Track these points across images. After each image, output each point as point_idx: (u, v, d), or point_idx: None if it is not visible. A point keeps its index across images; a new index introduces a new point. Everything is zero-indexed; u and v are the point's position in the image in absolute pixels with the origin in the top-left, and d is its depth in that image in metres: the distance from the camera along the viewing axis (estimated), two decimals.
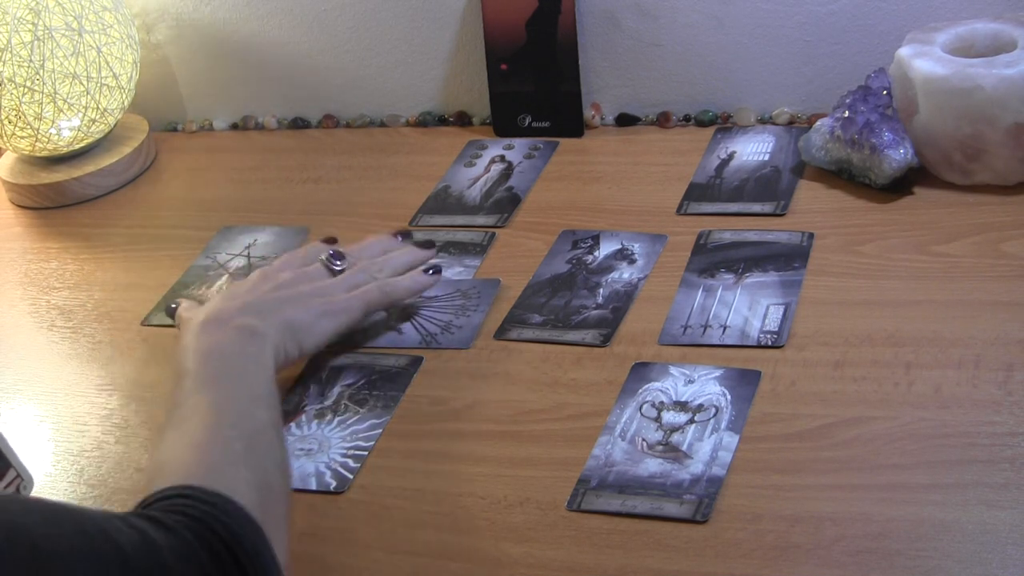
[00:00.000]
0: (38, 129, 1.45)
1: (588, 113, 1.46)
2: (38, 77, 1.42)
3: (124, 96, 1.50)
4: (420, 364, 1.12)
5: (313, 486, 1.01)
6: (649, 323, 1.12)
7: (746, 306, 1.11)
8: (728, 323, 1.09)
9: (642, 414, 1.01)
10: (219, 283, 1.29)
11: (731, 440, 0.97)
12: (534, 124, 1.45)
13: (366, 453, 1.03)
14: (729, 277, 1.15)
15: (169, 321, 1.25)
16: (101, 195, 1.50)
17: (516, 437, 1.02)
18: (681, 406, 1.01)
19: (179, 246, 1.37)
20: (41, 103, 1.43)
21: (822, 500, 0.91)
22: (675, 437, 0.99)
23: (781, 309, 1.10)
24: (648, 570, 0.88)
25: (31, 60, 1.41)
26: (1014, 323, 1.04)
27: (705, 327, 1.10)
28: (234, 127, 1.62)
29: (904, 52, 1.23)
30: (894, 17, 1.33)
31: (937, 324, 1.05)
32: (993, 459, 0.92)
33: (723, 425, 0.99)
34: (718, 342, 1.08)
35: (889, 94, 1.23)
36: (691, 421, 1.00)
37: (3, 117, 1.44)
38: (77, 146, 1.50)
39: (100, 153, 1.53)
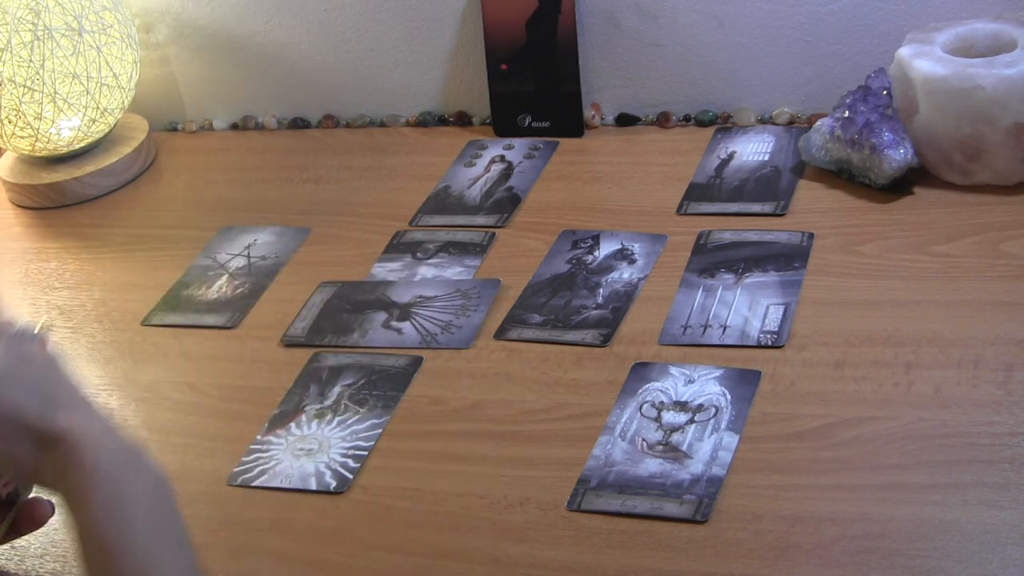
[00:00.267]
0: (38, 129, 1.45)
1: (588, 113, 1.45)
2: (38, 77, 1.42)
3: (124, 96, 1.50)
4: (420, 364, 1.12)
5: (313, 486, 1.01)
6: (649, 323, 1.12)
7: (746, 306, 1.11)
8: (728, 323, 1.09)
9: (642, 414, 1.01)
10: (219, 283, 1.29)
11: (731, 440, 0.97)
12: (534, 124, 1.45)
13: (366, 453, 1.03)
14: (729, 277, 1.15)
15: (169, 321, 1.25)
16: (101, 195, 1.50)
17: (516, 437, 1.02)
18: (681, 406, 1.01)
19: (179, 246, 1.37)
20: (41, 103, 1.43)
21: (822, 500, 0.91)
22: (675, 437, 0.99)
23: (781, 309, 1.10)
24: (648, 570, 0.88)
25: (31, 60, 1.41)
26: (1014, 323, 1.04)
27: (705, 327, 1.10)
28: (234, 127, 1.62)
29: (904, 52, 1.23)
30: (894, 17, 1.33)
31: (937, 324, 1.05)
32: (993, 459, 0.92)
33: (723, 425, 0.99)
34: (718, 342, 1.08)
35: (889, 94, 1.23)
36: (691, 421, 1.00)
37: (3, 117, 1.44)
38: (77, 146, 1.50)
39: (100, 153, 1.52)
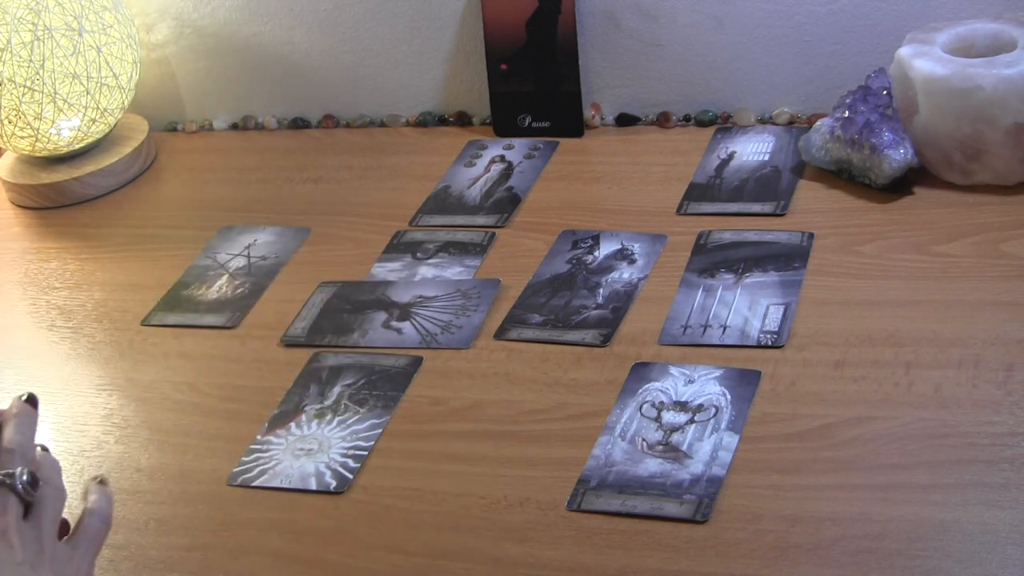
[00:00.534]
0: (38, 129, 1.45)
1: (588, 113, 1.45)
2: (38, 77, 1.42)
3: (124, 96, 1.50)
4: (420, 364, 1.12)
5: (313, 486, 1.01)
6: (649, 323, 1.12)
7: (746, 306, 1.11)
8: (728, 323, 1.09)
9: (642, 414, 1.01)
10: (219, 283, 1.29)
11: (731, 440, 0.97)
12: (534, 124, 1.45)
13: (366, 453, 1.03)
14: (729, 277, 1.15)
15: (169, 321, 1.25)
16: (101, 195, 1.50)
17: (516, 437, 1.02)
18: (681, 406, 1.01)
19: (179, 246, 1.37)
20: (41, 103, 1.43)
21: (822, 500, 0.91)
22: (675, 437, 0.99)
23: (781, 309, 1.10)
24: (648, 570, 0.88)
25: (31, 60, 1.41)
26: (1014, 323, 1.04)
27: (705, 327, 1.10)
28: (234, 127, 1.62)
29: (904, 52, 1.23)
30: (894, 17, 1.33)
31: (937, 324, 1.05)
32: (993, 459, 0.92)
33: (723, 425, 0.99)
34: (718, 342, 1.08)
35: (889, 94, 1.23)
36: (691, 421, 1.00)
37: (3, 117, 1.44)
38: (77, 146, 1.50)
39: (100, 153, 1.52)
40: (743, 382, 1.03)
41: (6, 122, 1.45)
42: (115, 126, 1.54)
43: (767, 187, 1.28)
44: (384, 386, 1.10)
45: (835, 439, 0.96)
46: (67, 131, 1.47)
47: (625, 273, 1.19)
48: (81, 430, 1.12)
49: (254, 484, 1.03)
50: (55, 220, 1.48)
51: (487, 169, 1.41)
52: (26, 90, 1.42)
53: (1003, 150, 1.18)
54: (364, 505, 0.99)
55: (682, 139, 1.40)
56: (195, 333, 1.23)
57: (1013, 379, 0.98)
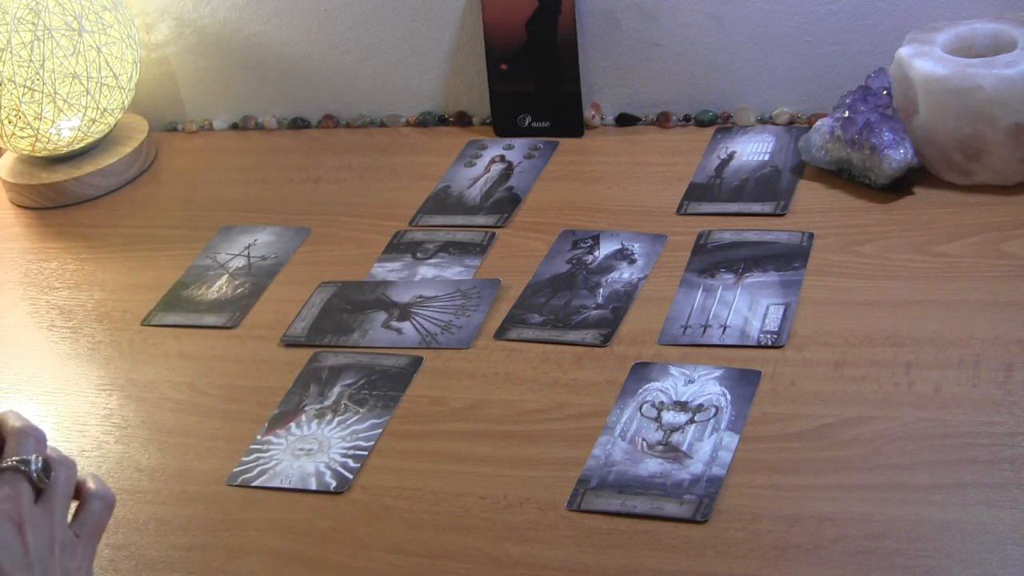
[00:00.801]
0: (38, 129, 1.45)
1: (588, 113, 1.45)
2: (38, 77, 1.42)
3: (124, 96, 1.50)
4: (420, 364, 1.12)
5: (313, 486, 1.01)
6: (649, 323, 1.12)
7: (746, 306, 1.11)
8: (728, 323, 1.09)
9: (642, 414, 1.01)
10: (219, 283, 1.29)
11: (731, 440, 0.97)
12: (534, 124, 1.45)
13: (366, 453, 1.03)
14: (729, 277, 1.15)
15: (169, 321, 1.25)
16: (101, 195, 1.50)
17: (516, 437, 1.02)
18: (681, 406, 1.01)
19: (179, 246, 1.37)
20: (41, 103, 1.43)
21: (822, 500, 0.91)
22: (675, 437, 0.99)
23: (781, 309, 1.10)
24: (648, 570, 0.88)
25: (31, 60, 1.41)
26: (1014, 323, 1.04)
27: (705, 327, 1.10)
28: (234, 127, 1.62)
29: (904, 52, 1.23)
30: (894, 17, 1.33)
31: (937, 324, 1.05)
32: (993, 459, 0.92)
33: (723, 425, 0.99)
34: (718, 342, 1.08)
35: (889, 94, 1.23)
36: (691, 421, 1.00)
37: (3, 117, 1.44)
38: (77, 146, 1.50)
39: (100, 153, 1.52)
40: (743, 382, 1.03)
41: (6, 122, 1.45)
42: (115, 126, 1.54)
43: (767, 187, 1.28)
44: (384, 386, 1.10)
45: (835, 439, 0.96)
46: (67, 131, 1.47)
47: (625, 273, 1.19)
48: (81, 430, 1.12)
49: (254, 484, 1.03)
50: (55, 220, 1.48)
51: (487, 169, 1.41)
52: (26, 90, 1.42)
53: (1003, 150, 1.18)
54: (364, 505, 0.99)
55: (682, 139, 1.40)
56: (195, 333, 1.23)
57: (1013, 379, 0.98)
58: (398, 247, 1.29)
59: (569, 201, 1.32)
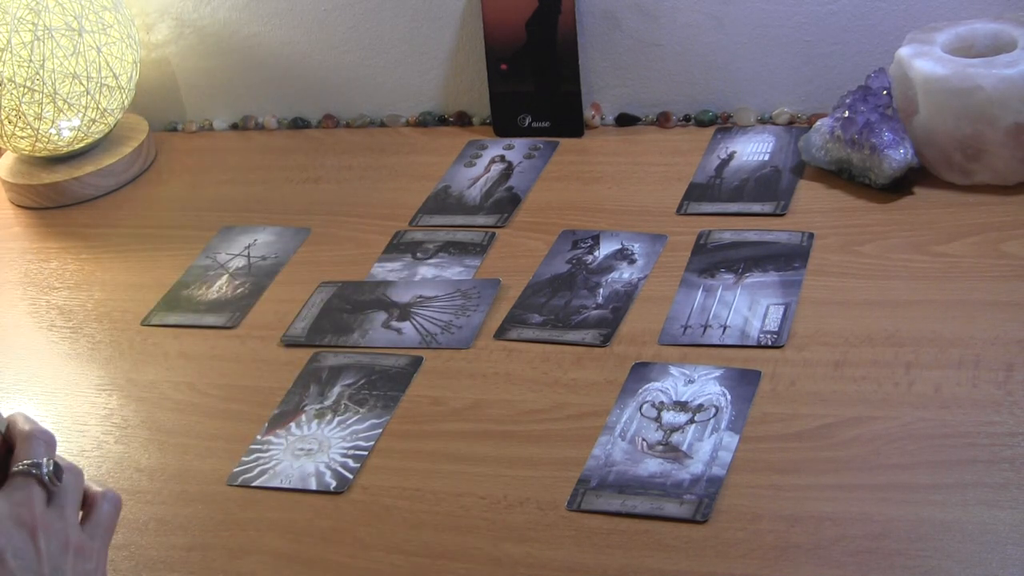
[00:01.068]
0: (38, 129, 1.45)
1: (588, 113, 1.45)
2: (38, 77, 1.42)
3: (124, 96, 1.50)
4: (420, 364, 1.12)
5: (313, 486, 1.01)
6: (649, 323, 1.12)
7: (746, 306, 1.11)
8: (728, 323, 1.09)
9: (642, 414, 1.01)
10: (219, 283, 1.29)
11: (731, 440, 0.97)
12: (534, 124, 1.45)
13: (366, 453, 1.03)
14: (729, 277, 1.15)
15: (169, 321, 1.25)
16: (101, 195, 1.50)
17: (516, 437, 1.02)
18: (681, 406, 1.01)
19: (179, 246, 1.37)
20: (41, 103, 1.43)
21: (822, 500, 0.91)
22: (675, 437, 0.99)
23: (781, 309, 1.10)
24: (648, 570, 0.88)
25: (31, 60, 1.41)
26: (1014, 323, 1.04)
27: (705, 327, 1.10)
28: (234, 127, 1.62)
29: (904, 52, 1.23)
30: (894, 17, 1.33)
31: (937, 324, 1.05)
32: (993, 459, 0.92)
33: (723, 425, 0.99)
34: (718, 342, 1.08)
35: (889, 94, 1.23)
36: (691, 421, 1.00)
37: (3, 117, 1.44)
38: (77, 146, 1.50)
39: (100, 153, 1.52)
40: (743, 382, 1.03)
41: (6, 122, 1.45)
42: (115, 126, 1.54)
43: (767, 187, 1.28)
44: (384, 386, 1.10)
45: (835, 439, 0.96)
46: (67, 131, 1.47)
47: (625, 273, 1.19)
48: (81, 430, 1.12)
49: (254, 484, 1.03)
50: (55, 220, 1.48)
51: (487, 169, 1.41)
52: (26, 90, 1.42)
53: (1003, 150, 1.18)
54: (364, 505, 0.99)
55: (682, 139, 1.40)
56: (195, 333, 1.23)
57: (1013, 379, 0.98)
58: (398, 247, 1.29)
59: (569, 201, 1.32)
